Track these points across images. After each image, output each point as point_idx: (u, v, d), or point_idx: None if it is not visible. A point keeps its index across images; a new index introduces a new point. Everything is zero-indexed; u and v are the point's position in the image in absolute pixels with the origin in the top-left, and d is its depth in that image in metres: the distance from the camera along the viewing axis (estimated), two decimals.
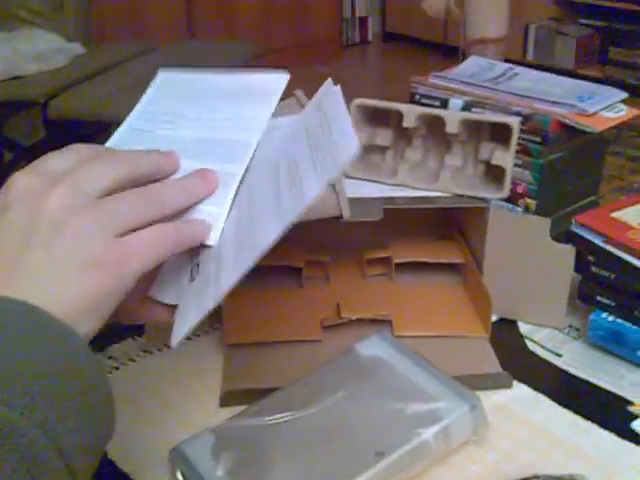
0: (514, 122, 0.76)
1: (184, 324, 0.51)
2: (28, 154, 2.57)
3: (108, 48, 2.98)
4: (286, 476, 0.57)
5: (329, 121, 0.51)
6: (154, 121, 0.62)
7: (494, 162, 0.77)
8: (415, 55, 4.82)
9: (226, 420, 0.62)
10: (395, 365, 0.67)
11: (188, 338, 0.77)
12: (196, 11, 4.25)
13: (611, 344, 0.74)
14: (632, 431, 0.65)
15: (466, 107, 0.90)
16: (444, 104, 0.91)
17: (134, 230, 0.48)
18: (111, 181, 0.48)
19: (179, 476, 0.57)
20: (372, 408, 0.63)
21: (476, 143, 0.81)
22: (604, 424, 0.66)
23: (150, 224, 0.49)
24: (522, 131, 0.82)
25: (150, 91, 0.65)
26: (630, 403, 0.69)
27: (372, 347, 0.70)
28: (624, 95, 0.91)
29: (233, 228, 0.53)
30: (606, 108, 0.88)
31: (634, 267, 0.71)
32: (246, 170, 0.56)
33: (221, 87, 0.62)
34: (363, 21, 5.41)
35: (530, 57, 4.48)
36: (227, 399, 0.68)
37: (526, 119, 0.85)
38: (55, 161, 0.50)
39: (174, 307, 0.54)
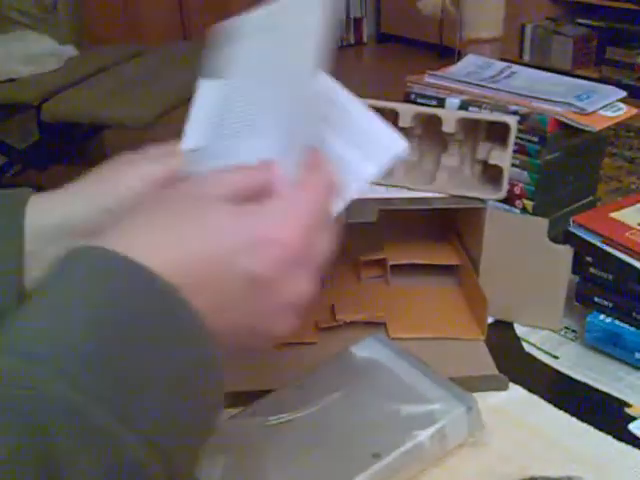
0: (512, 121, 0.75)
1: None
2: (22, 157, 2.56)
3: (101, 50, 2.97)
4: (282, 478, 0.57)
5: (358, 118, 0.55)
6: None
7: (491, 161, 0.77)
8: (410, 56, 4.81)
9: (221, 422, 0.61)
10: (390, 367, 0.67)
11: None
12: (189, 13, 4.24)
13: (609, 346, 0.73)
14: (629, 433, 0.65)
15: (463, 106, 0.89)
16: (440, 103, 0.90)
17: None
18: None
19: None
20: (368, 410, 0.63)
21: (473, 143, 0.80)
22: (601, 426, 0.66)
23: None
24: (520, 131, 0.82)
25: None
26: (627, 405, 0.68)
27: (367, 349, 0.69)
28: (623, 94, 0.90)
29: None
30: (604, 107, 0.87)
31: (633, 268, 0.70)
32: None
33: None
34: (358, 22, 5.41)
35: (526, 57, 4.47)
36: None
37: (523, 118, 0.84)
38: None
39: None
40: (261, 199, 0.45)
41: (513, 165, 0.83)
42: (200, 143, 0.58)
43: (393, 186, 0.80)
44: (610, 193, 2.64)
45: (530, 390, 0.70)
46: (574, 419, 0.67)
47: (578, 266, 0.75)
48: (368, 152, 0.55)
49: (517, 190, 0.87)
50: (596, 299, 0.74)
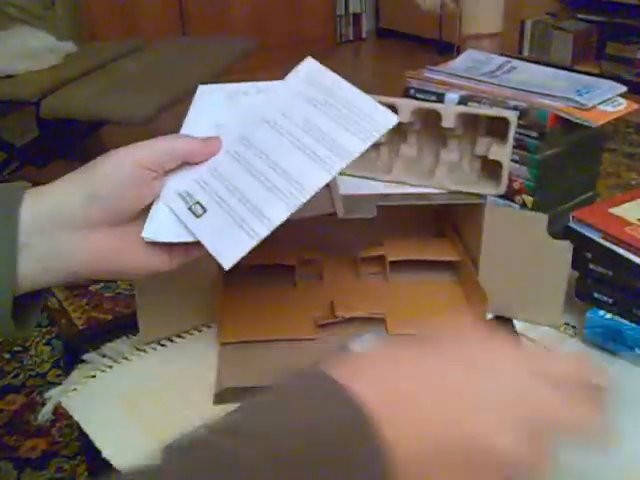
0: (512, 116, 0.75)
1: (232, 248, 0.57)
2: (21, 154, 2.56)
3: (100, 46, 2.96)
4: None
5: (346, 97, 0.60)
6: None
7: (491, 157, 0.76)
8: (410, 52, 4.80)
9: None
10: None
11: (181, 336, 0.77)
12: (189, 8, 4.23)
13: (608, 342, 0.73)
14: None
15: (462, 101, 0.89)
16: (440, 98, 0.90)
17: None
18: None
19: None
20: None
21: (472, 138, 0.80)
22: None
23: None
24: (519, 126, 0.81)
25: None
26: None
27: (366, 345, 0.69)
28: (623, 88, 0.90)
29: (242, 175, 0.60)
30: (605, 102, 0.87)
31: (632, 263, 0.70)
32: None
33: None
34: (357, 18, 5.39)
35: (526, 53, 4.46)
36: (221, 397, 0.67)
37: (523, 113, 0.84)
38: None
39: (174, 254, 0.59)
40: None
41: (512, 161, 0.82)
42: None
43: (392, 182, 0.79)
44: (610, 189, 2.63)
45: None
46: None
47: (578, 262, 0.75)
48: (357, 128, 0.59)
49: (517, 186, 0.87)
50: (596, 295, 0.74)
